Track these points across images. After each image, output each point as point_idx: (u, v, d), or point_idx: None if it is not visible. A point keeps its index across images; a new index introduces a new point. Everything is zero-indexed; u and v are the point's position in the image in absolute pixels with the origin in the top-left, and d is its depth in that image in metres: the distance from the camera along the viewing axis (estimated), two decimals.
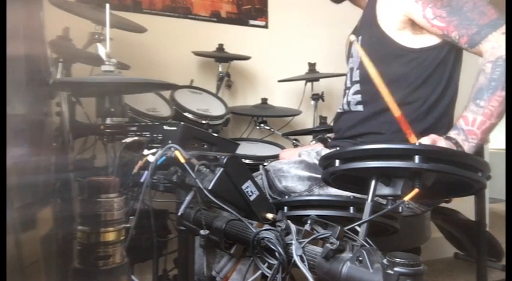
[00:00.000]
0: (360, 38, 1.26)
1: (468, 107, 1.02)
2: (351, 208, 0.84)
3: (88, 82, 1.14)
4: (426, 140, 0.93)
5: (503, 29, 1.01)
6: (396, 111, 0.97)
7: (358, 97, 1.24)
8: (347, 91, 1.30)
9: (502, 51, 0.99)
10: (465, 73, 1.21)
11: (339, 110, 1.34)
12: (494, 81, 0.99)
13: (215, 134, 1.33)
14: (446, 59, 1.14)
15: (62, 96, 1.23)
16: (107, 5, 1.14)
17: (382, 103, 1.18)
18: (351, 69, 1.30)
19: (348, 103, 1.28)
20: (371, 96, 1.22)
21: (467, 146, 1.00)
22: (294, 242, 0.65)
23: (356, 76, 1.26)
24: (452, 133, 1.03)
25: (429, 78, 1.14)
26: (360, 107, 1.24)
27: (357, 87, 1.25)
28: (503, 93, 0.98)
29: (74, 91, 1.31)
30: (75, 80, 1.28)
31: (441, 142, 0.95)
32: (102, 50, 1.09)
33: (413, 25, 1.13)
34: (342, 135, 1.30)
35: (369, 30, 1.23)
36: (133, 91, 1.35)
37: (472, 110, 1.01)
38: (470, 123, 1.01)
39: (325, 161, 0.77)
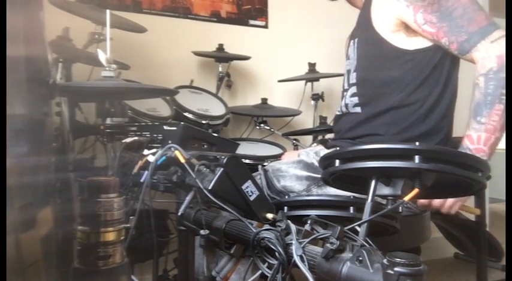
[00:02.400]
0: (356, 39, 1.26)
1: (470, 125, 1.03)
2: (351, 208, 0.84)
3: (87, 88, 1.14)
4: None
5: (492, 36, 1.01)
6: None
7: (356, 99, 1.24)
8: (345, 93, 1.30)
9: (492, 63, 0.99)
10: (464, 75, 1.21)
11: (338, 113, 1.34)
12: (490, 96, 1.00)
13: (215, 134, 1.33)
14: (442, 60, 1.14)
15: (62, 97, 1.23)
16: (107, 10, 1.15)
17: (379, 105, 1.19)
18: (348, 72, 1.30)
19: (346, 105, 1.28)
20: (368, 98, 1.22)
21: None
22: (294, 242, 0.65)
23: (353, 78, 1.26)
24: None
25: (426, 80, 1.14)
26: (358, 109, 1.24)
27: (354, 89, 1.25)
28: (502, 107, 0.98)
29: (74, 97, 1.31)
30: (75, 85, 1.28)
31: None
32: (102, 56, 1.09)
33: (407, 27, 1.13)
34: (342, 136, 1.30)
35: (364, 32, 1.23)
36: (133, 97, 1.35)
37: (474, 128, 1.02)
38: (476, 142, 1.01)
39: (325, 161, 0.77)
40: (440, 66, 1.14)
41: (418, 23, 1.08)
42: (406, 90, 1.15)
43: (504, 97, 0.98)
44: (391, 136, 1.16)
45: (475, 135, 1.01)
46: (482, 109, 1.00)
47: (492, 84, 0.99)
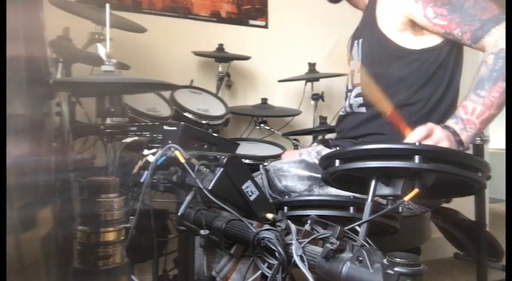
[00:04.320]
0: (360, 40, 1.26)
1: (468, 97, 1.02)
2: (351, 208, 0.84)
3: (88, 82, 1.14)
4: (422, 129, 0.93)
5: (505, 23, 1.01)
6: (388, 109, 0.98)
7: (360, 100, 1.24)
8: (349, 94, 1.30)
9: (504, 43, 0.99)
10: (466, 74, 1.21)
11: (342, 113, 1.34)
12: (495, 72, 0.99)
13: (215, 134, 1.33)
14: (446, 60, 1.14)
15: (62, 96, 1.23)
16: (107, 5, 1.14)
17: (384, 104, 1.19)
18: (352, 72, 1.30)
19: (350, 106, 1.28)
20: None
21: (465, 136, 0.99)
22: (294, 242, 0.65)
23: (357, 79, 1.26)
24: (450, 122, 1.02)
25: (430, 80, 1.14)
26: (363, 109, 1.24)
27: (358, 89, 1.25)
28: (504, 85, 0.98)
29: (74, 91, 1.31)
30: (75, 80, 1.28)
31: (438, 131, 0.95)
32: (102, 50, 1.09)
33: (414, 26, 1.13)
34: (344, 135, 1.30)
35: (369, 33, 1.23)
36: (133, 91, 1.35)
37: (472, 100, 1.01)
38: (470, 113, 1.00)
39: (325, 161, 0.77)
40: (444, 66, 1.14)
41: (429, 17, 1.08)
42: (411, 90, 1.15)
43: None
44: (394, 135, 1.16)
45: (470, 106, 1.00)
46: (484, 83, 0.99)
47: (501, 62, 0.98)
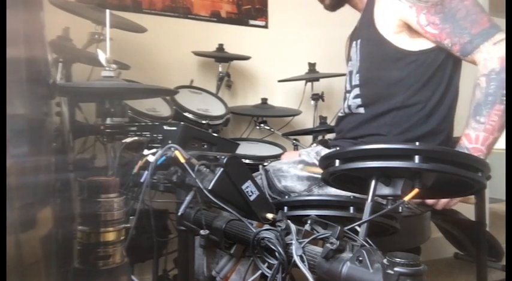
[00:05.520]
0: (358, 41, 1.26)
1: (469, 124, 1.03)
2: (351, 208, 0.84)
3: (87, 88, 1.14)
4: None
5: (495, 38, 1.01)
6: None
7: (359, 101, 1.24)
8: (347, 95, 1.30)
9: (494, 64, 1.00)
10: (465, 75, 1.21)
11: (341, 114, 1.34)
12: (490, 96, 1.00)
13: (215, 134, 1.33)
14: (445, 61, 1.14)
15: (62, 97, 1.23)
16: (107, 11, 1.15)
17: (382, 105, 1.19)
18: (350, 73, 1.30)
19: (349, 107, 1.28)
20: (371, 99, 1.22)
21: None
22: (294, 242, 0.65)
23: (356, 80, 1.26)
24: None
25: (429, 81, 1.14)
26: (361, 110, 1.24)
27: (357, 91, 1.25)
28: (502, 107, 0.99)
29: (74, 97, 1.31)
30: (75, 85, 1.28)
31: None
32: (102, 56, 1.09)
33: (410, 29, 1.13)
34: (343, 136, 1.30)
35: (367, 33, 1.23)
36: (133, 97, 1.35)
37: (473, 127, 1.02)
38: (474, 141, 1.02)
39: (325, 161, 0.77)
40: (443, 68, 1.14)
41: (421, 24, 1.08)
42: (409, 91, 1.15)
43: (504, 98, 0.99)
44: (393, 136, 1.16)
45: (473, 134, 1.02)
46: (482, 109, 1.01)
47: (493, 85, 1.00)
